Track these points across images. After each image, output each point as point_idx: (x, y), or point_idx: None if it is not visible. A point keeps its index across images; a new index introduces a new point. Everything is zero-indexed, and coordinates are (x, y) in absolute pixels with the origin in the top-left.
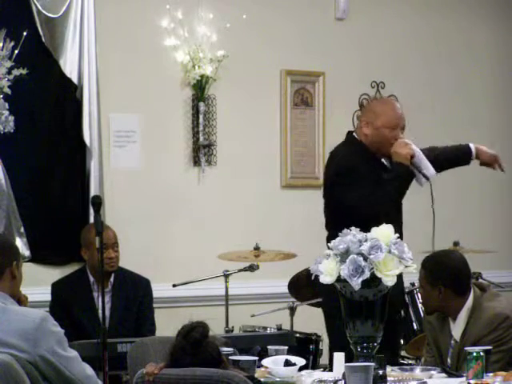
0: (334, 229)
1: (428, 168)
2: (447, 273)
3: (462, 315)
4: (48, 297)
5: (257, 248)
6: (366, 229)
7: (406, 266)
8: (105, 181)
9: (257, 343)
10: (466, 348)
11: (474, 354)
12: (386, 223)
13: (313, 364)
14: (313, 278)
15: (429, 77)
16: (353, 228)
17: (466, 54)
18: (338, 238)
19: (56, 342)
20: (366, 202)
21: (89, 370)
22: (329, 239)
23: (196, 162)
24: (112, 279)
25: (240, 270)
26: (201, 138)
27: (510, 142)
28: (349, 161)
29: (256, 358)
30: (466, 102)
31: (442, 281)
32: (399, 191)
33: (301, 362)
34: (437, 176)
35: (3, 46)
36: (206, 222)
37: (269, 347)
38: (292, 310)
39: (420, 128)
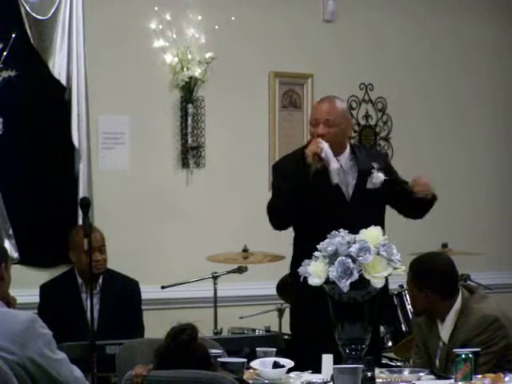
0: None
1: (332, 163)
2: (433, 276)
3: (450, 317)
4: (36, 299)
5: (245, 250)
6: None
7: (395, 268)
8: (93, 182)
9: (245, 345)
10: (455, 350)
11: (463, 356)
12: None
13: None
14: (301, 280)
15: (418, 78)
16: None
17: (455, 55)
18: (326, 240)
19: (44, 343)
20: (275, 200)
21: (77, 371)
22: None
23: (184, 163)
24: (100, 281)
25: (228, 272)
26: (189, 140)
27: (503, 143)
28: (278, 162)
29: (245, 360)
30: (456, 103)
31: (427, 284)
32: (295, 191)
33: (289, 363)
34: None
35: None
36: (194, 223)
37: (257, 349)
38: (280, 312)
39: (408, 130)
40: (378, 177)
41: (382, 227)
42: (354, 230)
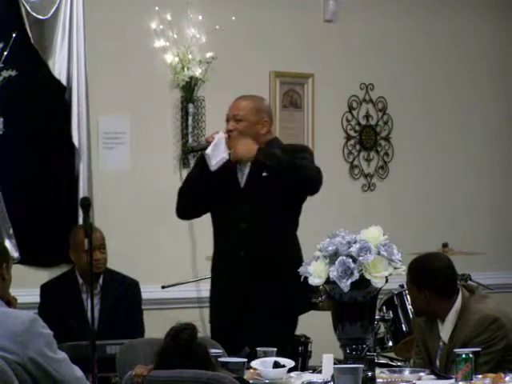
0: None
1: (221, 153)
2: (430, 277)
3: (450, 317)
4: (37, 298)
5: None
6: None
7: (396, 268)
8: (94, 182)
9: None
10: (455, 350)
11: (463, 356)
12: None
13: (302, 366)
14: (302, 279)
15: (419, 78)
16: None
17: (456, 55)
18: (327, 240)
19: (45, 343)
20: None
21: (78, 371)
22: None
23: (185, 163)
24: (101, 281)
25: None
26: (190, 140)
27: (503, 143)
28: None
29: (245, 360)
30: (457, 103)
31: (426, 285)
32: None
33: (290, 363)
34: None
35: None
36: (194, 223)
37: (257, 349)
38: None
39: (409, 130)
40: None
41: (288, 217)
42: (250, 216)
